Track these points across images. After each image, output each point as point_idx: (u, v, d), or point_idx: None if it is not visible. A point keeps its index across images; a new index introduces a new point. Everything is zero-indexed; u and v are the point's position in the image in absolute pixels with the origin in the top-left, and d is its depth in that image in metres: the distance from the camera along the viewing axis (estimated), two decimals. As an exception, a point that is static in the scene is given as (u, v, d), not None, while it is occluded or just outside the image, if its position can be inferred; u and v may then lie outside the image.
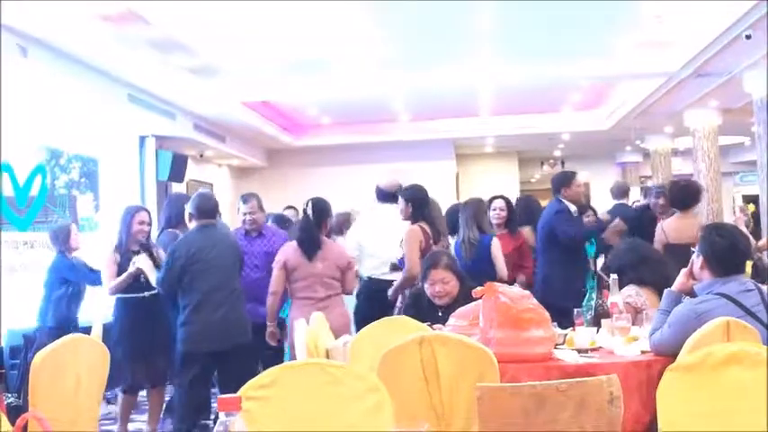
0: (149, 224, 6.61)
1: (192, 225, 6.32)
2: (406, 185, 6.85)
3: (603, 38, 10.72)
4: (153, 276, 6.26)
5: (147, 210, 6.79)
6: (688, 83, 12.25)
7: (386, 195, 7.13)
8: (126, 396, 6.53)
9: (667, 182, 8.46)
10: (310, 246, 6.06)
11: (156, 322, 6.42)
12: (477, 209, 7.13)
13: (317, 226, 6.10)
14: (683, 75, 11.77)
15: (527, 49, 11.10)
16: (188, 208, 6.38)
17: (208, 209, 6.28)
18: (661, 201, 7.66)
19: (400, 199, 6.67)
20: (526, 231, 7.73)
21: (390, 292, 6.57)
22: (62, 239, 7.21)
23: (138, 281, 6.37)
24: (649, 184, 9.17)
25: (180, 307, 6.12)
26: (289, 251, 6.15)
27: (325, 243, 6.15)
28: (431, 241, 6.42)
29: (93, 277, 6.92)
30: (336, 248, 6.32)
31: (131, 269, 6.32)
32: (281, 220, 8.42)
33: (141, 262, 6.32)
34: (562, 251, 7.00)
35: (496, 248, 6.82)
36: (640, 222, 7.66)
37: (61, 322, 6.82)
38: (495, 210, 7.51)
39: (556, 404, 1.72)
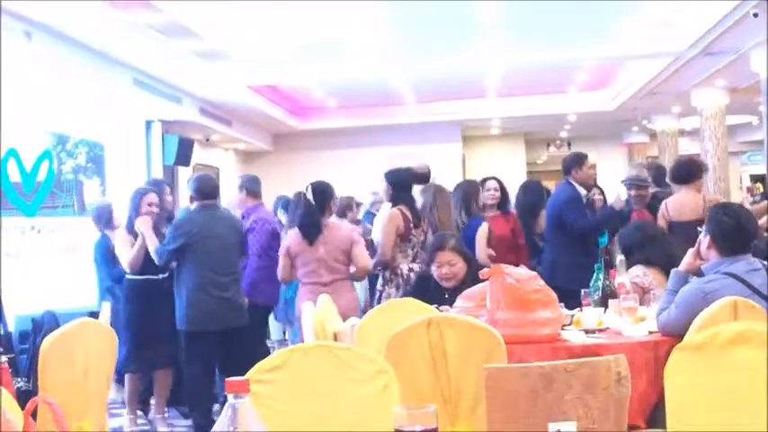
0: (158, 205, 6.62)
1: (192, 206, 6.40)
2: (391, 168, 6.84)
3: (610, 18, 10.67)
4: (152, 245, 6.26)
5: (155, 191, 6.80)
6: (695, 62, 12.20)
7: (419, 178, 7.21)
8: (133, 378, 6.57)
9: (638, 172, 8.24)
10: (311, 230, 6.05)
11: (164, 305, 6.47)
12: (465, 192, 7.14)
13: (318, 210, 6.10)
14: (690, 54, 11.72)
15: (533, 30, 11.06)
16: (188, 190, 6.46)
17: (207, 190, 6.41)
18: (633, 192, 7.45)
19: (383, 180, 6.69)
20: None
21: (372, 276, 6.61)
22: (105, 220, 7.33)
23: (152, 261, 6.37)
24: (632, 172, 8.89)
25: (182, 286, 6.20)
26: (291, 237, 6.16)
27: (327, 226, 6.12)
28: (410, 225, 6.41)
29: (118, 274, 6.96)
30: (338, 231, 6.28)
31: (139, 238, 6.34)
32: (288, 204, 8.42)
33: (143, 223, 6.32)
34: (570, 236, 6.97)
35: (480, 234, 6.79)
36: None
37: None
38: (489, 190, 7.50)
39: (563, 384, 1.72)
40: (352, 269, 6.18)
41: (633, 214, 7.06)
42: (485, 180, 7.66)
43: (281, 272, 6.17)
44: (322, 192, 6.16)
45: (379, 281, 6.50)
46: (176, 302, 6.29)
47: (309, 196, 6.09)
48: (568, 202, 7.01)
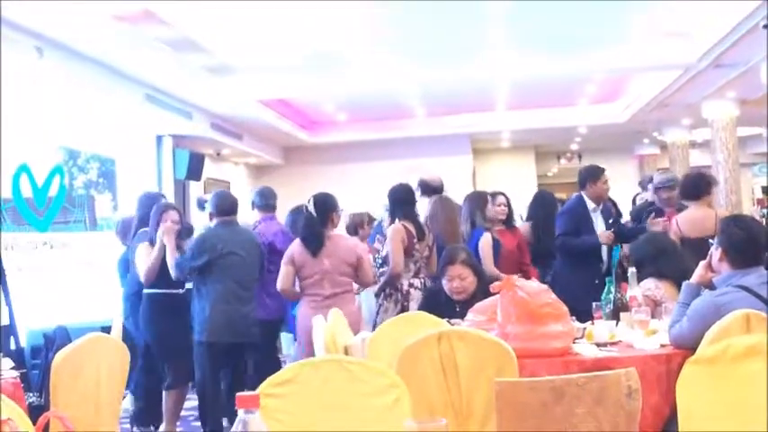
0: (179, 223, 6.63)
1: (212, 222, 6.43)
2: (393, 186, 6.84)
3: (620, 30, 10.67)
4: (171, 255, 6.27)
5: (177, 209, 6.81)
6: (706, 74, 12.18)
7: (431, 189, 7.28)
8: (170, 393, 6.56)
9: (667, 174, 8.31)
10: (314, 242, 6.05)
11: (187, 318, 6.50)
12: (475, 203, 7.14)
13: (320, 222, 6.09)
14: (701, 66, 11.70)
15: (543, 43, 11.07)
16: (208, 207, 6.49)
17: (226, 206, 6.44)
18: (664, 195, 7.52)
19: (389, 198, 6.70)
20: (525, 227, 7.78)
21: (376, 289, 6.56)
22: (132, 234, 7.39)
23: (170, 275, 6.37)
24: (653, 175, 9.01)
25: (203, 299, 6.22)
26: (295, 248, 6.15)
27: (331, 239, 6.11)
28: (414, 240, 6.39)
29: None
30: (344, 243, 6.28)
31: (157, 246, 6.34)
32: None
33: (167, 230, 6.32)
34: (574, 253, 6.97)
35: (484, 244, 6.76)
36: (640, 216, 7.57)
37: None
38: (499, 205, 7.50)
39: (574, 398, 1.71)
40: (356, 286, 6.23)
41: (665, 215, 7.08)
42: (494, 195, 7.66)
43: (282, 281, 6.10)
44: (324, 203, 6.15)
45: (381, 296, 6.48)
46: (195, 314, 6.31)
47: (311, 208, 6.09)
48: (563, 213, 7.08)
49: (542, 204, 8.03)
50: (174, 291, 6.46)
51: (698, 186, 6.93)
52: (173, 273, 6.24)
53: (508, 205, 7.60)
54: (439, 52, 11.30)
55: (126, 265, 7.43)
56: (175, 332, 6.43)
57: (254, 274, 6.40)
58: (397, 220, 6.48)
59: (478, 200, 7.23)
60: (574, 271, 6.78)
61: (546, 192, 8.95)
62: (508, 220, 7.57)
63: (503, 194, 7.69)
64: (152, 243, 6.47)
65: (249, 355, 6.75)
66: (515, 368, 3.32)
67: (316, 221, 6.07)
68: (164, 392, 6.58)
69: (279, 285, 6.13)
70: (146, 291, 6.48)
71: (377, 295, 6.53)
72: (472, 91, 14.43)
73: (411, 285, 6.29)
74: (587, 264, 6.84)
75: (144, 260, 6.43)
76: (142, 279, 6.42)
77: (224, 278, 6.19)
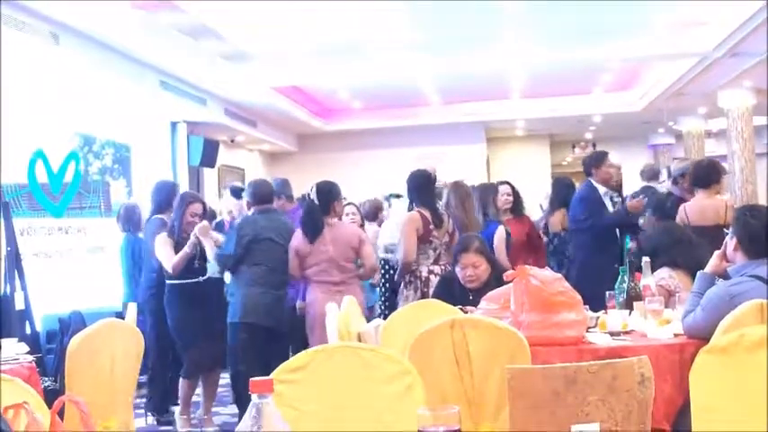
0: (202, 216, 6.63)
1: (250, 212, 6.52)
2: (411, 172, 6.83)
3: (636, 18, 10.62)
4: (210, 250, 6.30)
5: (202, 201, 6.82)
6: (722, 63, 12.11)
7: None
8: (186, 381, 6.60)
9: (686, 163, 8.30)
10: (312, 229, 6.11)
11: (210, 306, 6.53)
12: (481, 195, 7.13)
13: (322, 210, 6.13)
14: (717, 55, 11.63)
15: (558, 31, 11.03)
16: (245, 196, 6.56)
17: (263, 194, 6.53)
18: (685, 183, 7.53)
19: (407, 185, 6.68)
20: (560, 214, 7.76)
21: (396, 276, 6.60)
22: (135, 221, 7.45)
23: (192, 264, 6.40)
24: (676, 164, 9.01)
25: (240, 283, 6.30)
26: (297, 237, 6.21)
27: (332, 226, 6.15)
28: (431, 226, 6.37)
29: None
30: (346, 229, 6.34)
31: (190, 243, 6.35)
32: None
33: (201, 231, 6.34)
34: (591, 236, 6.96)
35: (499, 238, 6.76)
36: (663, 206, 7.55)
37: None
38: (502, 195, 7.51)
39: (586, 386, 1.71)
40: (361, 269, 6.25)
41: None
42: (499, 184, 7.68)
43: (291, 270, 6.27)
44: (327, 192, 6.19)
45: (402, 284, 6.48)
46: (232, 298, 6.39)
47: (314, 196, 6.14)
48: (580, 200, 7.04)
49: (568, 187, 8.00)
50: (195, 279, 6.47)
51: (710, 175, 6.90)
52: (217, 267, 6.31)
53: (515, 194, 7.61)
54: (454, 40, 11.28)
55: (133, 254, 7.47)
56: (194, 321, 6.45)
57: (287, 262, 6.41)
58: (414, 206, 6.48)
59: (487, 191, 7.24)
60: (593, 256, 6.75)
61: (565, 176, 8.97)
62: (516, 209, 7.57)
63: (507, 183, 7.70)
64: (171, 234, 6.48)
65: (288, 342, 6.79)
66: (528, 356, 3.32)
67: (316, 209, 6.12)
68: (181, 380, 6.61)
69: (290, 273, 6.24)
70: (168, 282, 6.49)
71: (397, 280, 6.55)
72: (487, 79, 14.39)
73: (431, 272, 6.27)
74: (606, 249, 6.84)
75: (165, 251, 6.43)
76: (169, 271, 6.41)
77: (258, 265, 6.27)
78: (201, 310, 6.45)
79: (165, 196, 6.95)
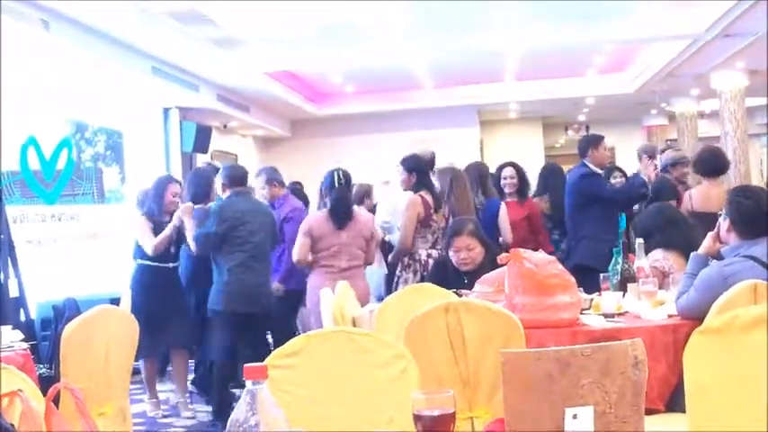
0: (180, 195, 6.69)
1: (225, 194, 6.44)
2: (405, 155, 6.84)
3: (628, 0, 10.59)
4: (190, 232, 6.32)
5: (178, 181, 6.87)
6: (714, 44, 12.10)
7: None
8: (147, 362, 6.64)
9: (678, 152, 8.32)
10: (343, 216, 6.10)
11: (174, 291, 6.62)
12: (479, 173, 7.13)
13: (348, 194, 6.20)
14: (710, 36, 11.62)
15: (551, 13, 10.99)
16: (218, 179, 6.54)
17: (238, 176, 6.52)
18: (676, 172, 7.54)
19: (401, 169, 6.67)
20: (542, 200, 7.76)
21: (390, 258, 6.61)
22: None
23: (168, 250, 6.45)
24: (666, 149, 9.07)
25: (220, 269, 6.28)
26: (315, 220, 6.18)
27: (354, 213, 6.21)
28: (431, 210, 6.40)
29: None
30: (362, 218, 6.35)
31: (172, 224, 6.38)
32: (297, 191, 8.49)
33: (185, 210, 6.35)
34: (593, 214, 6.95)
35: (503, 214, 6.79)
36: (659, 192, 7.54)
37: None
38: (505, 178, 7.51)
39: (579, 369, 1.72)
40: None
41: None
42: (503, 167, 7.68)
43: (298, 252, 6.17)
44: (350, 179, 6.26)
45: (399, 266, 6.50)
46: (213, 285, 6.36)
47: (343, 181, 6.14)
48: (584, 176, 7.02)
49: (554, 174, 8.02)
50: (164, 264, 6.52)
51: (719, 165, 6.95)
52: (194, 248, 6.29)
53: (520, 177, 7.59)
54: (447, 23, 11.23)
55: None
56: (154, 304, 6.45)
57: (266, 245, 6.43)
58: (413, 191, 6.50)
59: (483, 169, 7.28)
60: (599, 236, 6.72)
61: (554, 163, 8.98)
62: (520, 192, 7.56)
63: (511, 165, 7.69)
64: (149, 215, 6.55)
65: (268, 326, 6.82)
66: (523, 339, 3.33)
67: (347, 195, 6.15)
68: (141, 361, 6.64)
69: (295, 256, 6.22)
70: (138, 261, 6.56)
71: (392, 267, 6.56)
72: (480, 62, 14.36)
73: (429, 256, 6.30)
74: (611, 228, 6.86)
75: (145, 233, 6.48)
76: (150, 252, 6.46)
77: (238, 250, 6.22)
78: (166, 294, 6.50)
79: (203, 186, 6.95)
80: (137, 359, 6.60)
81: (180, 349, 6.77)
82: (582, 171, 7.09)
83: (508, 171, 7.60)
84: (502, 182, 7.49)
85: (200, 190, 6.95)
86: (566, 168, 8.30)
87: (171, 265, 6.62)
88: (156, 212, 6.56)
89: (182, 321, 6.62)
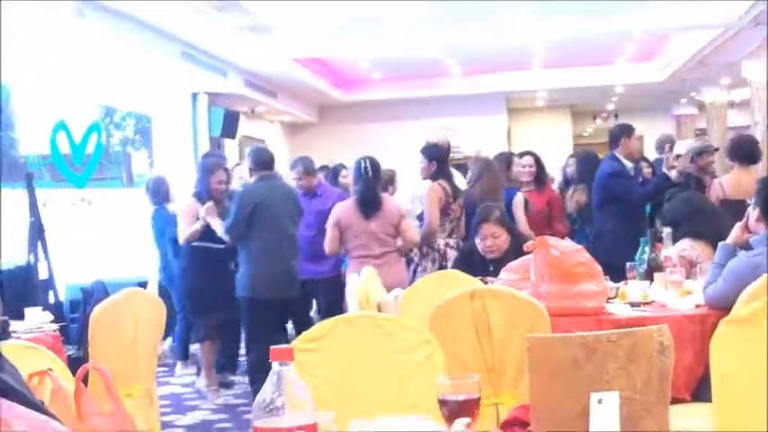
0: (227, 182, 6.70)
1: (252, 178, 6.43)
2: (425, 144, 6.83)
3: (659, -13, 10.50)
4: (219, 227, 6.33)
5: (226, 168, 6.85)
6: (746, 33, 11.96)
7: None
8: (203, 346, 6.68)
9: (704, 141, 8.25)
10: (370, 205, 6.09)
11: (225, 274, 6.55)
12: (506, 162, 7.21)
13: (375, 184, 6.18)
14: (741, 24, 11.49)
15: (580, 0, 10.92)
16: (245, 163, 6.52)
17: (265, 160, 6.47)
18: (702, 162, 7.46)
19: (421, 157, 6.66)
20: (580, 190, 7.70)
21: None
22: (164, 193, 7.50)
23: (212, 231, 6.45)
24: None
25: (245, 255, 6.27)
26: (342, 210, 6.18)
27: (382, 201, 6.21)
28: (450, 199, 6.40)
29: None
30: (389, 205, 6.34)
31: (200, 222, 6.40)
32: (332, 175, 8.47)
33: (208, 211, 6.37)
34: (617, 210, 6.92)
35: (517, 203, 6.77)
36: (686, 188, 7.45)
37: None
38: (524, 166, 7.49)
39: (606, 354, 1.72)
40: (399, 242, 6.23)
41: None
42: (522, 154, 7.67)
43: (329, 245, 6.18)
44: (378, 165, 6.24)
45: (417, 256, 6.51)
46: (240, 270, 6.35)
47: (369, 171, 6.12)
48: (614, 175, 6.96)
49: (593, 164, 7.93)
50: (214, 245, 6.50)
51: (754, 153, 6.89)
52: (226, 238, 6.29)
53: (538, 165, 7.58)
54: (475, 10, 11.19)
55: (161, 226, 7.55)
56: (209, 287, 6.50)
57: (291, 229, 6.39)
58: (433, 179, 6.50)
59: (503, 160, 7.27)
60: (625, 227, 6.68)
61: (592, 151, 8.92)
62: (538, 180, 7.55)
63: (529, 154, 7.69)
64: (199, 199, 6.53)
65: (294, 309, 6.81)
66: (548, 327, 3.33)
67: (374, 184, 6.14)
68: (198, 345, 6.69)
69: (327, 249, 6.22)
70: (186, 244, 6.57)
71: (410, 256, 6.55)
72: (508, 49, 14.28)
73: (447, 245, 6.32)
74: (638, 219, 6.83)
75: (186, 221, 6.48)
76: (179, 239, 6.49)
77: (262, 235, 6.21)
78: (217, 276, 6.51)
79: (266, 158, 6.84)
80: (193, 342, 6.71)
81: (216, 338, 6.79)
82: (612, 167, 7.01)
83: (527, 159, 7.59)
84: (520, 170, 7.47)
85: (202, 186, 6.79)
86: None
87: (221, 246, 6.52)
88: (205, 197, 6.52)
89: (232, 307, 6.63)
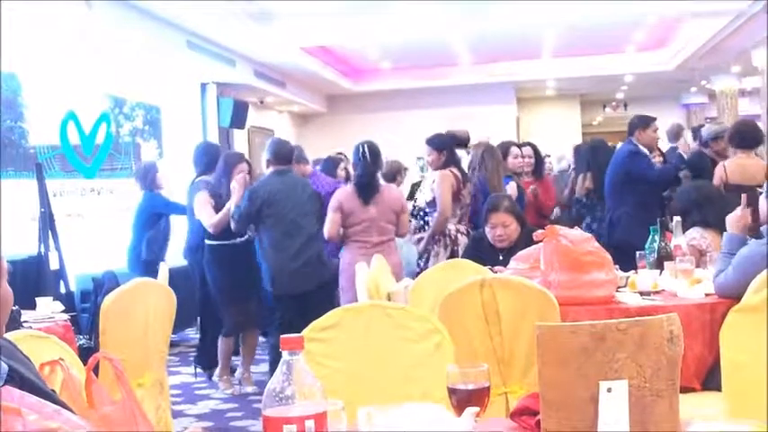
0: (250, 173, 6.68)
1: (268, 170, 6.41)
2: (431, 135, 6.83)
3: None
4: (233, 208, 6.31)
5: (247, 161, 6.82)
6: (757, 19, 11.89)
7: (460, 143, 7.27)
8: (225, 340, 6.69)
9: (718, 125, 8.21)
10: (368, 190, 6.09)
11: (248, 267, 6.54)
12: (503, 150, 7.32)
13: (374, 170, 6.17)
14: (753, 10, 11.43)
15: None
16: (265, 154, 6.47)
17: (284, 154, 6.39)
18: (716, 147, 7.46)
19: (428, 149, 6.67)
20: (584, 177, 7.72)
21: (425, 238, 6.55)
22: (150, 178, 7.49)
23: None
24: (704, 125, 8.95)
25: (263, 249, 6.29)
26: (344, 195, 6.18)
27: (381, 187, 6.20)
28: (461, 186, 6.45)
29: (183, 208, 7.09)
30: (390, 192, 6.35)
31: (233, 196, 6.34)
32: (332, 165, 8.45)
33: (239, 180, 6.31)
34: (636, 194, 6.90)
35: (511, 191, 6.80)
36: (696, 168, 7.45)
37: (153, 260, 6.99)
38: (524, 157, 7.53)
39: (615, 343, 1.72)
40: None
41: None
42: (521, 146, 7.74)
43: (329, 228, 6.15)
44: (377, 151, 6.22)
45: (431, 247, 6.52)
46: (262, 265, 6.36)
47: (367, 156, 6.12)
48: (633, 154, 6.97)
49: (601, 151, 7.93)
50: (234, 241, 6.49)
51: (755, 137, 6.86)
52: (232, 225, 6.26)
53: (537, 156, 7.66)
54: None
55: (147, 216, 7.52)
56: (233, 282, 6.49)
57: (309, 223, 6.30)
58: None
59: (501, 149, 7.35)
60: (640, 213, 6.66)
61: (601, 139, 8.93)
62: (536, 171, 7.64)
63: (528, 145, 7.78)
64: (212, 193, 6.51)
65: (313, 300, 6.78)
66: (558, 316, 3.33)
67: (371, 169, 6.13)
68: (220, 338, 6.70)
69: (326, 233, 6.19)
70: (207, 242, 6.52)
71: (423, 247, 6.56)
72: (517, 39, 14.25)
73: (458, 231, 6.36)
74: (653, 205, 6.83)
75: (207, 210, 6.44)
76: (210, 229, 6.43)
77: (277, 229, 6.18)
78: (240, 271, 6.50)
79: (210, 158, 6.86)
80: (217, 335, 6.72)
81: (252, 329, 6.81)
82: (630, 148, 7.04)
83: (526, 151, 7.63)
84: (518, 161, 7.49)
85: (210, 162, 6.79)
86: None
87: (239, 240, 6.52)
88: (224, 195, 6.45)
89: (255, 301, 6.63)
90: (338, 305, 6.72)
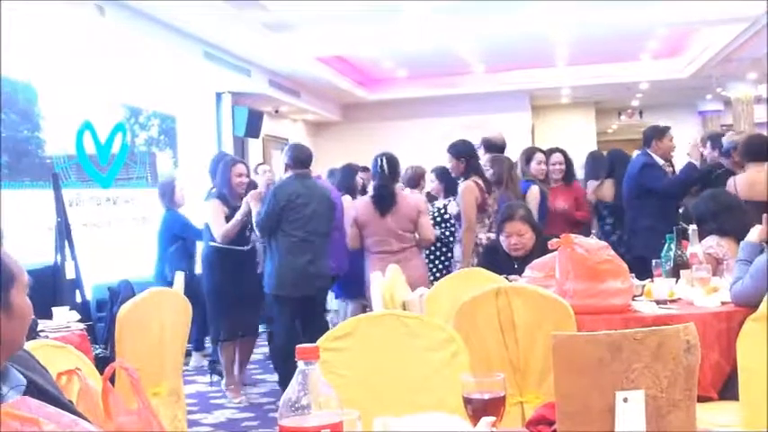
0: (247, 176, 6.70)
1: (287, 174, 6.42)
2: (453, 142, 6.83)
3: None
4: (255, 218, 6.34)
5: (243, 162, 6.85)
6: (772, 27, 11.86)
7: (495, 147, 7.26)
8: (225, 344, 6.71)
9: (738, 134, 8.16)
10: (385, 201, 6.11)
11: (249, 275, 6.57)
12: (526, 157, 7.33)
13: (392, 181, 6.18)
14: (768, 18, 11.39)
15: (604, -3, 10.87)
16: (283, 158, 6.49)
17: (303, 158, 6.41)
18: (737, 157, 7.40)
19: (449, 156, 6.66)
20: (607, 185, 7.67)
21: (461, 253, 6.55)
22: (168, 196, 7.51)
23: (242, 232, 6.46)
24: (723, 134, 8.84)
25: (274, 252, 6.26)
26: (360, 207, 6.21)
27: (397, 197, 6.21)
28: (486, 195, 6.43)
29: (199, 233, 7.10)
30: (406, 201, 6.35)
31: (242, 208, 6.38)
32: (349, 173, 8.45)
33: (254, 196, 6.33)
34: (650, 205, 6.88)
35: (531, 196, 6.78)
36: (710, 179, 7.38)
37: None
38: (554, 164, 7.48)
39: (631, 353, 1.71)
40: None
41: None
42: (551, 152, 7.66)
43: (350, 241, 6.25)
44: (396, 162, 6.24)
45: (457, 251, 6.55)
46: (266, 267, 6.36)
47: (385, 167, 6.12)
48: (646, 166, 6.96)
49: (621, 161, 7.90)
50: (239, 247, 6.52)
51: (764, 149, 6.76)
52: (256, 230, 6.29)
53: (567, 163, 7.57)
54: (499, 6, 11.16)
55: (169, 235, 7.54)
56: (230, 288, 6.51)
57: (324, 228, 6.34)
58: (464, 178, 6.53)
59: (526, 156, 7.31)
60: (657, 223, 6.63)
61: (621, 149, 8.89)
62: (567, 177, 7.54)
63: (558, 151, 7.67)
64: (221, 199, 6.53)
65: (312, 306, 6.81)
66: (574, 325, 3.32)
67: (389, 181, 6.14)
68: (219, 346, 6.71)
69: (349, 246, 6.27)
70: (211, 244, 6.56)
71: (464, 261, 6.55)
72: (532, 47, 14.24)
73: (488, 239, 6.35)
74: (670, 215, 6.80)
75: (218, 218, 6.46)
76: (219, 238, 6.45)
77: (292, 233, 6.19)
78: (241, 278, 6.52)
79: (304, 156, 6.82)
80: (215, 342, 6.75)
81: (249, 336, 6.82)
82: (643, 160, 7.03)
83: (557, 157, 7.57)
84: (550, 167, 7.46)
85: (223, 181, 6.74)
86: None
87: (244, 248, 6.55)
88: (229, 197, 6.50)
89: (254, 308, 6.64)
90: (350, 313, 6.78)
